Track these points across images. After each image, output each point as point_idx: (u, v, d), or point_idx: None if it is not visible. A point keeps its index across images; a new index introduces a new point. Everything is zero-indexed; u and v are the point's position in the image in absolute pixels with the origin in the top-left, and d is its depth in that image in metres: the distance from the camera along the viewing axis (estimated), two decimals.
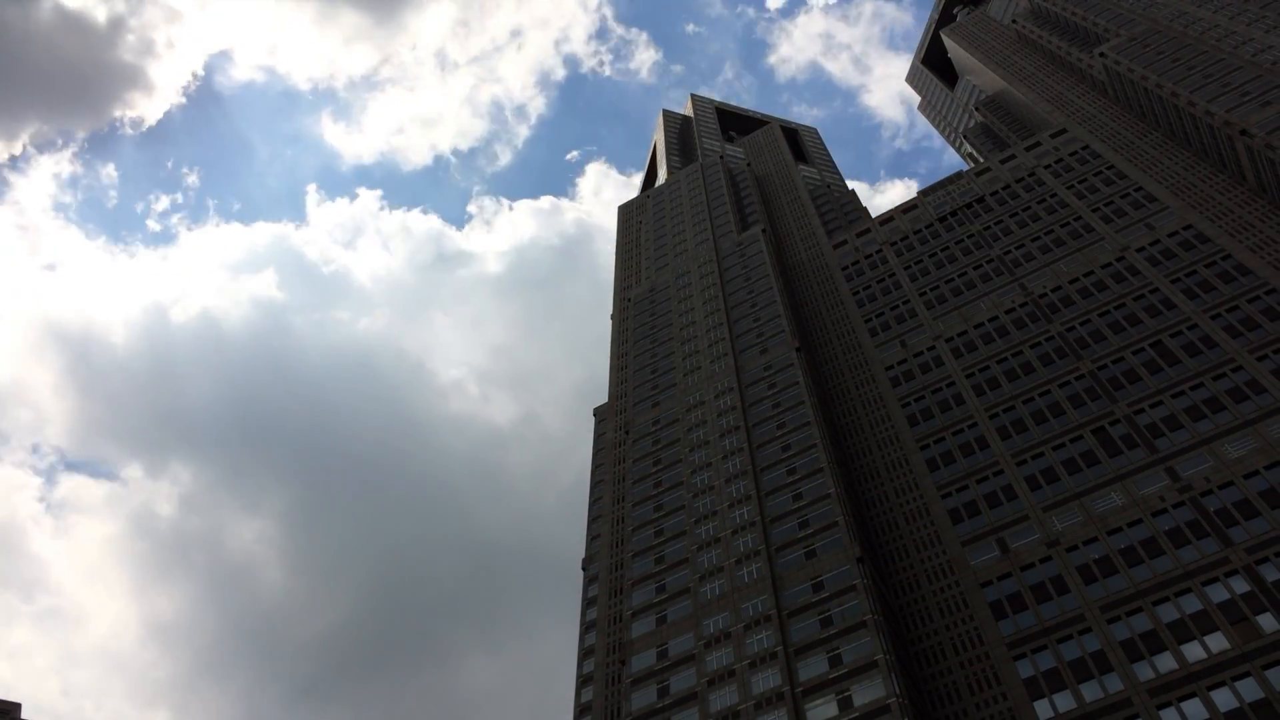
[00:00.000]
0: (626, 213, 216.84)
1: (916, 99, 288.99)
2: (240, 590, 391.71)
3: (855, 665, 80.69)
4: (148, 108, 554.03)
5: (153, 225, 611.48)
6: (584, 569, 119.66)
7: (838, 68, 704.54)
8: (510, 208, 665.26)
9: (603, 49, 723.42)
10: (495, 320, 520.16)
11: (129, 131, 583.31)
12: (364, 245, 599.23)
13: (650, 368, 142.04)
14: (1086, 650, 77.79)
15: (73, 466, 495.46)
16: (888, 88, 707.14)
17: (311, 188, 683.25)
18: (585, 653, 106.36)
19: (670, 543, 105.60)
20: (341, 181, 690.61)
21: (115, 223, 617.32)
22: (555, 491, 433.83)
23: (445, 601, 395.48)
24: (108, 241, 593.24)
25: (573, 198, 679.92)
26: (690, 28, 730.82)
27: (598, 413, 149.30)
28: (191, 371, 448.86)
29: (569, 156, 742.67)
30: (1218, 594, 76.45)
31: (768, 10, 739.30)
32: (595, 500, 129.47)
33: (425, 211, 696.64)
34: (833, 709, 78.55)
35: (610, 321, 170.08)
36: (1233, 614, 74.36)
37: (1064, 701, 75.21)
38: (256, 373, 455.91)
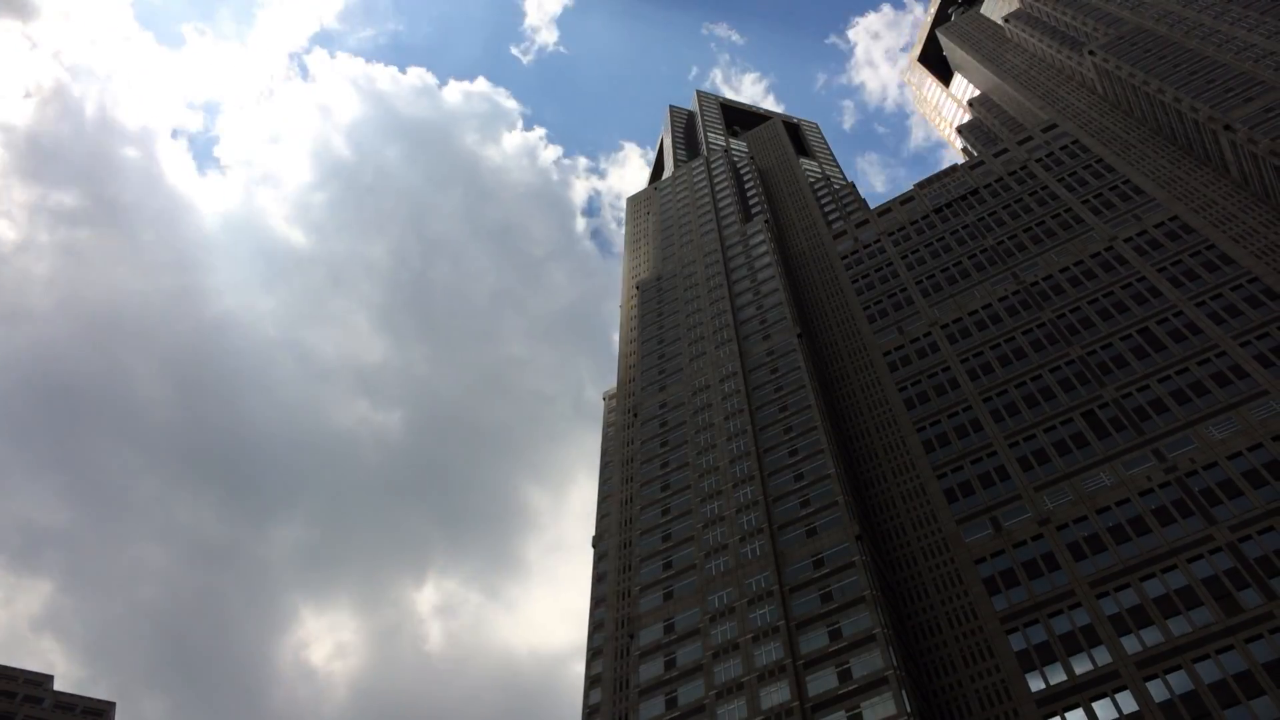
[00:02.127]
0: (635, 204, 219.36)
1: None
2: None
3: (854, 639, 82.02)
4: None
5: None
6: (594, 546, 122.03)
7: None
8: None
9: None
10: None
11: None
12: None
13: (657, 354, 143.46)
14: (1076, 624, 78.74)
15: None
16: None
17: None
18: (595, 626, 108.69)
19: (676, 521, 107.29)
20: None
21: None
22: None
23: None
24: None
25: None
26: None
27: (607, 396, 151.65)
28: None
29: None
30: (1202, 570, 77.48)
31: None
32: (605, 480, 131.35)
33: None
34: (833, 680, 79.82)
35: (619, 310, 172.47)
36: (1217, 589, 75.34)
37: (1055, 674, 76.18)
38: None
